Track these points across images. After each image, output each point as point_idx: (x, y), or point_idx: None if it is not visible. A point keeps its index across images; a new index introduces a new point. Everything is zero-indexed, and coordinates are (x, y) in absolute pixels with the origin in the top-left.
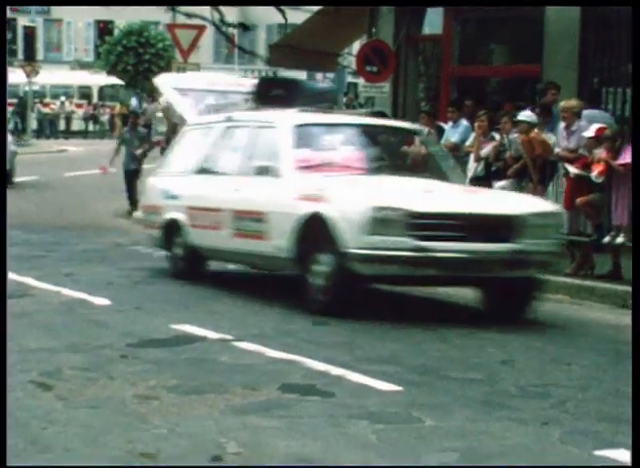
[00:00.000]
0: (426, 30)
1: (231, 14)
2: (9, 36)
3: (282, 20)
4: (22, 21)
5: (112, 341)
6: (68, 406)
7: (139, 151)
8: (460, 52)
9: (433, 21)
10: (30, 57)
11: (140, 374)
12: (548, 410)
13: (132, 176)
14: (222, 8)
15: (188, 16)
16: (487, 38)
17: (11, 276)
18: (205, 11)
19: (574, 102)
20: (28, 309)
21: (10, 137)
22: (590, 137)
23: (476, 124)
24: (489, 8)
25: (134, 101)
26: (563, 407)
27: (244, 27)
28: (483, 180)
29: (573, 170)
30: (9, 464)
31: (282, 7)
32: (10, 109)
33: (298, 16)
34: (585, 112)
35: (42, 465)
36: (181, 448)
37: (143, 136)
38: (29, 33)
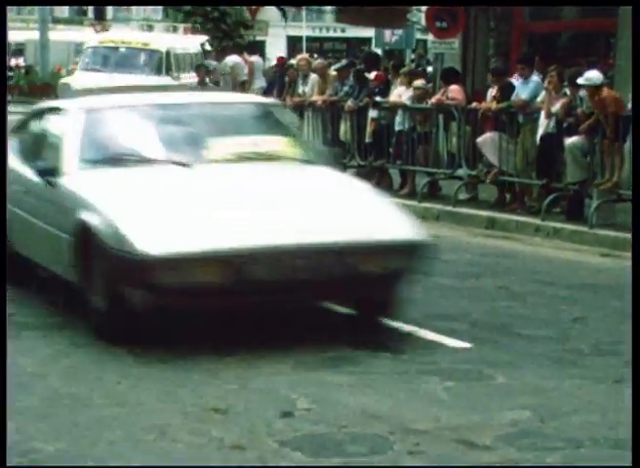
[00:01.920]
0: None
1: None
2: None
3: None
4: None
5: None
6: (140, 361)
7: None
8: (531, 6)
9: None
10: (100, 16)
11: (211, 331)
12: (621, 368)
13: None
14: None
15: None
16: None
17: None
18: None
19: None
20: None
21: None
22: None
23: (546, 80)
24: None
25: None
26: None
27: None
28: (555, 137)
29: None
30: (9, 464)
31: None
32: None
33: None
34: None
35: (42, 465)
36: (252, 404)
37: None
38: None
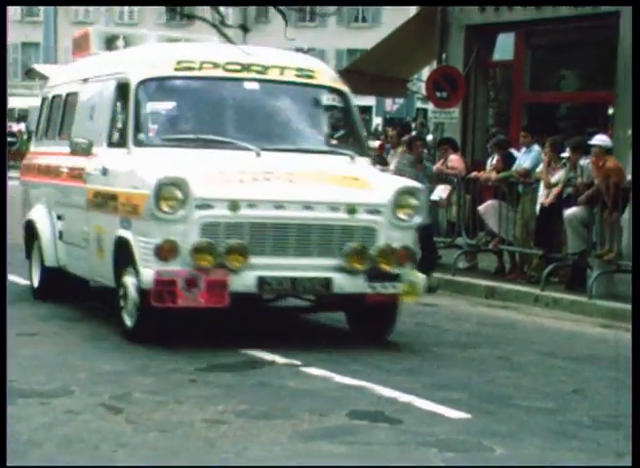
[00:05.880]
0: (496, 56)
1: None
2: None
3: (352, 46)
4: None
5: (181, 365)
6: (138, 429)
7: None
8: (531, 77)
9: (503, 47)
10: None
11: (208, 399)
12: (622, 441)
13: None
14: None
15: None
16: (558, 64)
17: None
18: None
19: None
20: (98, 332)
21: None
22: None
23: (543, 151)
24: (560, 32)
25: None
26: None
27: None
28: (554, 207)
29: None
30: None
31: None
32: None
33: (366, 41)
34: None
35: (42, 465)
36: None
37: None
38: None
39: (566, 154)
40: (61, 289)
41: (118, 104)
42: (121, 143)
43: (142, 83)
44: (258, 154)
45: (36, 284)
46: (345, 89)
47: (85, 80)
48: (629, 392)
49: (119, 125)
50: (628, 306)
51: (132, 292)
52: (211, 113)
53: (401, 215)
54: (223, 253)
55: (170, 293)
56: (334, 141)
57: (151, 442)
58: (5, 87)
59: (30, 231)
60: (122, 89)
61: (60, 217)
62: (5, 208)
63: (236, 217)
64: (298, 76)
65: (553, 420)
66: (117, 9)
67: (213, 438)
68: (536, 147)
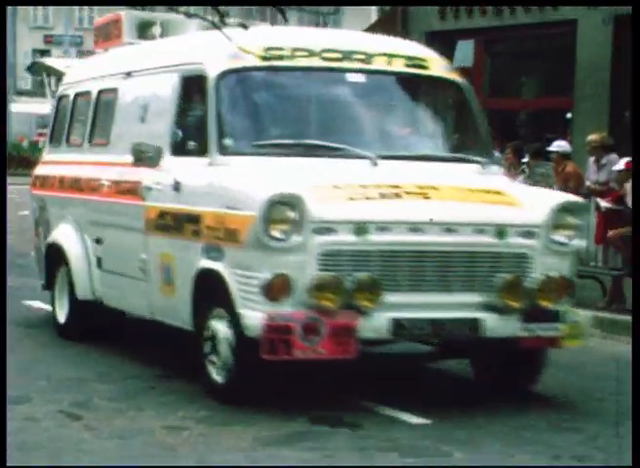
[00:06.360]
0: (456, 63)
1: None
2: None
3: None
4: (57, 53)
5: (141, 372)
6: (98, 436)
7: None
8: (490, 84)
9: (463, 54)
10: None
11: (169, 405)
12: (581, 445)
13: None
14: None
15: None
16: (517, 70)
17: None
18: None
19: (594, 136)
20: (58, 339)
21: None
22: (620, 170)
23: (504, 156)
24: (519, 39)
25: None
26: (595, 442)
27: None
28: None
29: (604, 203)
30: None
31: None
32: None
33: None
34: None
35: (42, 465)
36: None
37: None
38: None
39: (526, 159)
40: (95, 324)
41: (187, 102)
42: (198, 151)
43: (224, 76)
44: (374, 163)
45: (62, 319)
46: (464, 81)
47: (128, 74)
48: (588, 397)
49: (192, 128)
50: (591, 312)
51: (225, 340)
52: (310, 113)
53: (559, 238)
54: (351, 291)
55: (284, 343)
56: (457, 146)
57: (111, 448)
58: (5, 87)
59: (55, 256)
60: (193, 83)
61: (98, 241)
62: (5, 208)
63: (364, 244)
64: (408, 66)
65: (512, 425)
66: (77, 14)
67: (173, 444)
68: (496, 154)
